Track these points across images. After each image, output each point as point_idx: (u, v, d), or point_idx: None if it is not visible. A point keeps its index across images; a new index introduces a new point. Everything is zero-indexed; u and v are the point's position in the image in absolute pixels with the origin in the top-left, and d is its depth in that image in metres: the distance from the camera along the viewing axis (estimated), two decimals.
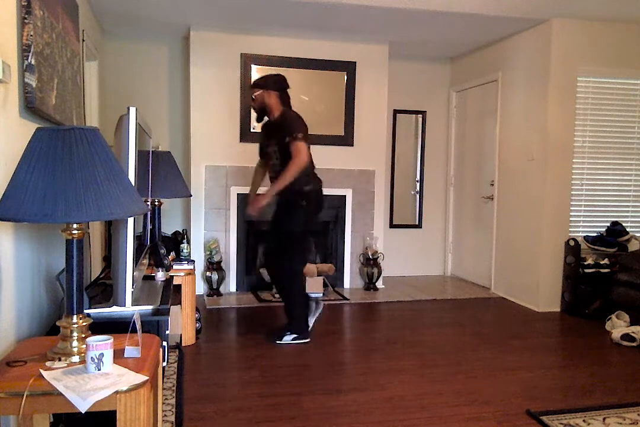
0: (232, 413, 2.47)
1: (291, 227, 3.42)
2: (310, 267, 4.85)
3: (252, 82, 3.51)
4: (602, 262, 4.32)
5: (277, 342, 3.46)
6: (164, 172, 3.31)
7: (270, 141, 3.46)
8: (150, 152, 2.95)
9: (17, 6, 1.89)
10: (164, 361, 1.90)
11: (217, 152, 4.87)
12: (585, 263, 4.31)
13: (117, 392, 1.38)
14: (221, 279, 4.76)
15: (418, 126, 5.89)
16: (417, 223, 5.94)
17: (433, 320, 4.17)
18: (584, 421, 2.42)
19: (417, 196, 5.94)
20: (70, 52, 2.73)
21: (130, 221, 1.86)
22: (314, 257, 5.32)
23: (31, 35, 1.92)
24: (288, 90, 3.47)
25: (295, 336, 3.47)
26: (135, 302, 2.00)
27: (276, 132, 3.40)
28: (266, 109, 3.43)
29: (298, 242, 3.49)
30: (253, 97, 3.44)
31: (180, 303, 3.35)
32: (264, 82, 3.41)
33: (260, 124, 3.63)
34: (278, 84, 3.41)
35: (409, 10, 4.15)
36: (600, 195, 4.60)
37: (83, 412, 1.33)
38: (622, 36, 4.46)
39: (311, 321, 3.57)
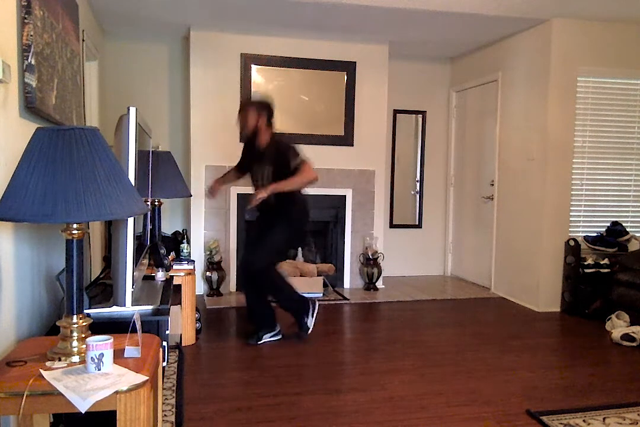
0: (232, 413, 2.47)
1: (283, 236, 3.47)
2: (310, 267, 4.86)
3: (248, 102, 3.49)
4: (602, 262, 4.32)
5: (308, 332, 3.58)
6: (164, 172, 3.31)
7: (263, 165, 3.45)
8: (150, 152, 2.94)
9: (17, 6, 1.89)
10: (164, 361, 1.90)
11: (217, 152, 4.87)
12: (585, 263, 4.31)
13: (117, 392, 1.38)
14: (221, 279, 4.76)
15: (418, 126, 5.89)
16: (417, 223, 5.94)
17: (433, 320, 4.17)
18: (584, 421, 2.42)
19: (417, 196, 5.94)
20: (70, 52, 2.73)
21: (130, 221, 1.86)
22: (314, 257, 5.32)
23: (31, 35, 1.92)
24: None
25: (310, 317, 3.59)
26: (135, 302, 1.99)
27: (271, 160, 3.41)
28: (257, 133, 3.43)
29: (279, 249, 3.60)
30: (247, 119, 3.38)
31: (180, 303, 3.35)
32: (257, 105, 3.40)
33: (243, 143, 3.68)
34: (272, 110, 3.43)
35: (409, 10, 4.15)
36: (600, 195, 4.60)
37: (83, 412, 1.34)
38: (622, 36, 4.46)
39: (311, 322, 3.59)
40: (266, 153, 3.45)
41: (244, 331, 3.77)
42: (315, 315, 3.61)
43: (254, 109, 3.39)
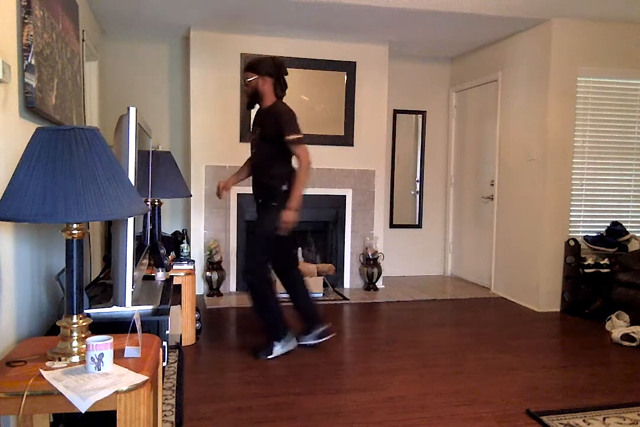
0: (232, 413, 2.47)
1: (263, 229, 3.20)
2: (310, 267, 4.86)
3: (246, 65, 3.20)
4: (602, 262, 4.32)
5: (268, 357, 3.18)
6: (164, 172, 3.31)
7: (255, 130, 3.27)
8: (150, 152, 2.94)
9: (17, 6, 1.89)
10: (164, 361, 1.90)
11: (217, 152, 4.87)
12: (585, 263, 4.31)
13: (117, 392, 1.38)
14: (221, 279, 4.76)
15: (418, 126, 5.89)
16: (417, 223, 5.94)
17: (433, 320, 4.17)
18: (584, 421, 2.42)
19: (417, 196, 5.94)
20: (70, 52, 2.73)
21: (130, 221, 1.86)
22: (314, 257, 5.32)
23: (31, 35, 1.92)
24: (286, 77, 3.20)
25: (281, 345, 3.20)
26: (135, 302, 1.99)
27: (264, 122, 3.18)
28: (258, 96, 3.17)
29: (265, 243, 3.21)
30: (246, 82, 3.15)
31: (180, 303, 3.35)
32: (258, 67, 3.11)
33: (253, 111, 3.40)
34: (273, 69, 3.12)
35: (409, 10, 4.15)
36: (600, 195, 4.60)
37: (83, 412, 1.33)
38: (622, 36, 4.46)
39: (277, 352, 3.20)
40: (265, 114, 3.19)
41: (244, 331, 3.77)
42: (288, 351, 3.23)
43: (253, 71, 3.13)
